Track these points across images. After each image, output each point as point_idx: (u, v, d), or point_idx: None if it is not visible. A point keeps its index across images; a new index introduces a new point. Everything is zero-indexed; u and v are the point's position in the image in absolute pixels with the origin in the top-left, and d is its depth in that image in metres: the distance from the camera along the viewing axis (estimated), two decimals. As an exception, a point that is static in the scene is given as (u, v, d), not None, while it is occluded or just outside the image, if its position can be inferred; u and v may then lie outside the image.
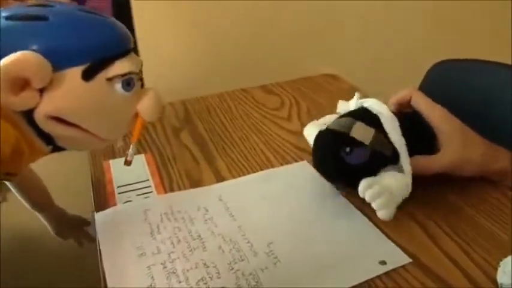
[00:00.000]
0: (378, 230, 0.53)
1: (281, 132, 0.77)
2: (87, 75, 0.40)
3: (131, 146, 0.52)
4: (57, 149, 0.45)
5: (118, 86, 0.42)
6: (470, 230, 0.53)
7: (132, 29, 0.93)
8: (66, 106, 0.40)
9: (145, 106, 0.45)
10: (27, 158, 0.43)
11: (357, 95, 0.64)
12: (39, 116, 0.40)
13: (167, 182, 0.65)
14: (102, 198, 0.63)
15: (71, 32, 0.40)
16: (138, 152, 0.72)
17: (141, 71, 0.45)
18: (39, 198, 0.74)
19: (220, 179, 0.65)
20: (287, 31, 1.10)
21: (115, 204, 0.61)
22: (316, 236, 0.53)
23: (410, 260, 0.49)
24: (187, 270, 0.49)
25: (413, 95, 0.60)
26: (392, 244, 0.51)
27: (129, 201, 0.62)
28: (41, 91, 0.39)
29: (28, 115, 0.40)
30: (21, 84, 0.38)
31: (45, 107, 0.39)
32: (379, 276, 0.47)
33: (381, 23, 1.15)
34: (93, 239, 0.79)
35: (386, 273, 0.48)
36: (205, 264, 0.50)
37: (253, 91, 0.94)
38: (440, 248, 0.51)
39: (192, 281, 0.47)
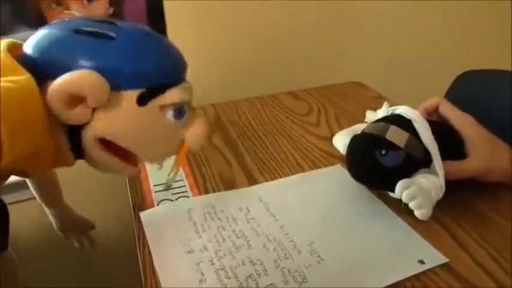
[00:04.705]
0: (413, 230, 0.55)
1: (310, 137, 0.80)
2: (142, 100, 0.40)
3: (172, 172, 0.51)
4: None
5: (169, 114, 0.42)
6: (498, 238, 0.54)
7: (164, 32, 0.96)
8: (117, 129, 0.40)
9: (194, 136, 0.45)
10: (48, 165, 0.43)
11: (386, 104, 0.67)
12: (88, 134, 0.40)
13: (201, 183, 0.67)
14: (139, 196, 0.65)
15: (134, 56, 0.40)
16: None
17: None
18: (49, 193, 0.73)
19: (252, 181, 0.67)
20: (311, 39, 1.13)
21: (152, 203, 0.63)
22: (355, 236, 0.56)
23: (447, 260, 0.51)
24: (235, 267, 0.51)
25: (441, 103, 0.63)
26: (428, 244, 0.53)
27: (167, 199, 0.64)
28: (94, 109, 0.39)
29: (73, 129, 0.40)
30: (77, 100, 0.38)
31: (97, 127, 0.40)
32: (410, 281, 0.49)
33: (404, 34, 1.18)
34: (94, 244, 0.81)
35: (418, 278, 0.49)
36: (251, 261, 0.52)
37: (281, 97, 0.96)
38: (469, 254, 0.52)
39: (240, 277, 0.50)
